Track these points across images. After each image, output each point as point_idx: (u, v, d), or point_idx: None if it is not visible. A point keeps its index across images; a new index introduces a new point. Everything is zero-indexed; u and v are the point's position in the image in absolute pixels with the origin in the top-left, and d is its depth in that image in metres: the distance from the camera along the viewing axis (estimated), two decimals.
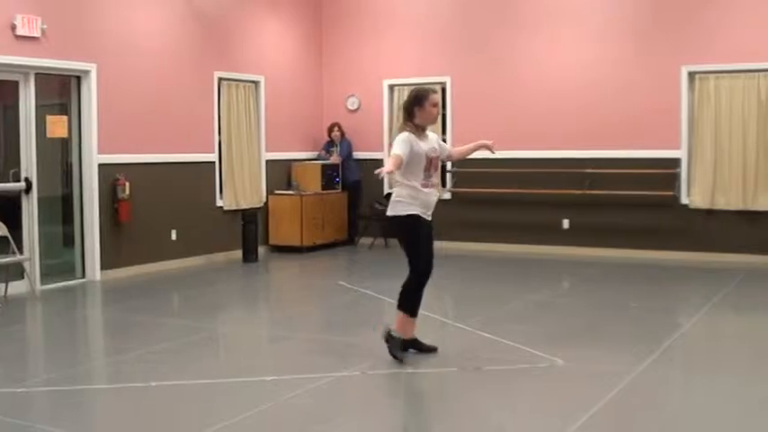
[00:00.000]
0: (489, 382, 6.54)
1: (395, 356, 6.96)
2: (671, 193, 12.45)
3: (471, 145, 7.67)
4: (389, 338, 7.04)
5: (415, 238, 7.02)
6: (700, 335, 8.26)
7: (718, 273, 11.35)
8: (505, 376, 6.68)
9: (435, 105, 7.07)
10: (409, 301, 7.03)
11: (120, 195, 11.09)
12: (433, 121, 7.29)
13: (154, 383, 6.39)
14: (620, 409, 5.90)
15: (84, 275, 10.98)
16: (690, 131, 12.52)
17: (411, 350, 7.11)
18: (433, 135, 7.26)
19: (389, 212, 7.10)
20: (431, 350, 7.21)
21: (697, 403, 6.07)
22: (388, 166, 6.68)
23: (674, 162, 12.50)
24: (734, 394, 6.21)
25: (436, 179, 7.27)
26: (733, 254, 12.18)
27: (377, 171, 6.65)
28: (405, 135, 6.90)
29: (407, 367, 6.82)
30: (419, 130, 7.00)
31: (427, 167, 7.02)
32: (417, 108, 6.98)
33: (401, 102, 14.14)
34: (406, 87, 14.19)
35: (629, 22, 12.84)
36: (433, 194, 7.15)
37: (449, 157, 7.78)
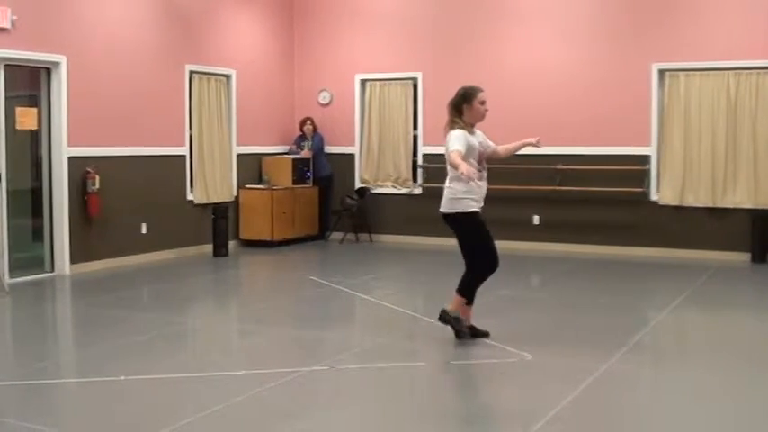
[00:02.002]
0: (458, 377, 6.57)
1: (460, 332, 7.26)
2: (641, 189, 12.54)
3: (517, 143, 7.88)
4: (450, 318, 7.31)
5: (483, 235, 7.26)
6: (668, 330, 8.33)
7: (687, 269, 11.44)
8: (474, 371, 6.72)
9: (483, 103, 7.36)
10: (471, 290, 7.31)
11: (90, 188, 11.03)
12: (481, 119, 7.47)
13: (123, 377, 6.37)
14: (588, 404, 5.94)
15: (53, 269, 10.91)
16: (660, 129, 12.61)
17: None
18: (479, 132, 7.50)
19: (448, 210, 7.25)
20: (485, 335, 7.44)
21: (664, 398, 6.12)
22: (465, 167, 6.82)
23: (644, 159, 12.58)
24: (701, 388, 6.28)
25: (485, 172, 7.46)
26: (702, 250, 12.29)
27: (462, 173, 6.80)
28: (459, 132, 7.13)
29: (377, 362, 6.84)
30: (468, 127, 7.25)
31: (479, 161, 7.28)
32: (466, 105, 7.31)
33: (372, 96, 14.20)
34: (378, 82, 14.24)
35: (600, 20, 12.91)
36: (485, 186, 7.38)
37: (494, 154, 7.82)
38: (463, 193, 7.19)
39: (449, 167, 7.21)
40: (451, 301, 7.39)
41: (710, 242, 12.31)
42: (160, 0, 12.17)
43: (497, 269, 7.34)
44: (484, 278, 7.32)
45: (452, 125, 7.28)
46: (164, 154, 12.25)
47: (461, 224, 7.25)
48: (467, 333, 7.31)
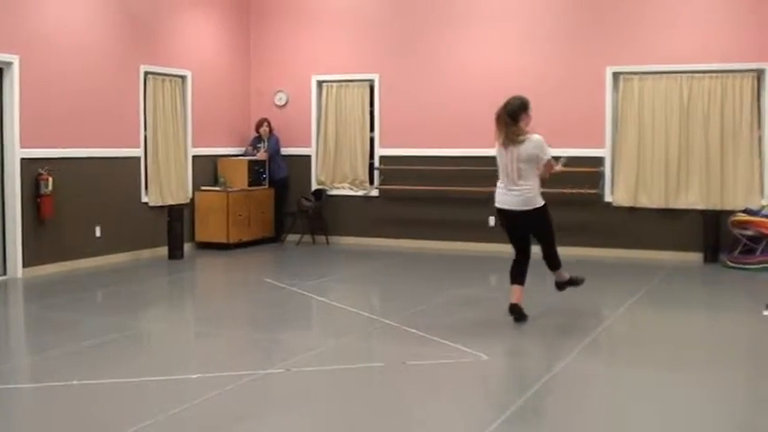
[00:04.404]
0: (414, 378, 6.58)
1: (578, 280, 8.81)
2: (595, 191, 12.64)
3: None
4: (566, 282, 8.74)
5: (551, 220, 8.45)
6: (622, 329, 8.42)
7: (641, 269, 11.56)
8: (430, 371, 6.73)
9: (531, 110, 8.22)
10: (557, 259, 8.57)
11: (43, 190, 10.90)
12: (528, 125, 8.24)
13: (76, 382, 6.30)
14: (543, 403, 5.98)
15: (5, 272, 10.77)
16: (614, 131, 12.74)
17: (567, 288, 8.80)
18: None
19: (537, 205, 8.25)
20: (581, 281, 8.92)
21: (617, 396, 6.18)
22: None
23: (599, 161, 12.69)
24: (655, 386, 6.33)
25: None
26: (655, 251, 12.42)
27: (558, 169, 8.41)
28: (539, 137, 8.13)
29: (334, 364, 6.83)
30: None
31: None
32: (524, 114, 8.12)
33: (329, 98, 14.18)
34: (335, 84, 14.22)
35: (556, 24, 13.01)
36: None
37: None
38: (539, 189, 8.27)
39: (524, 168, 8.11)
40: (556, 275, 8.69)
41: (664, 243, 12.45)
42: (114, 1, 12.06)
43: None
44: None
45: (520, 132, 8.09)
46: (118, 156, 12.15)
47: (545, 213, 8.34)
48: (581, 277, 8.86)
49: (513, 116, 8.07)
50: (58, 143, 11.21)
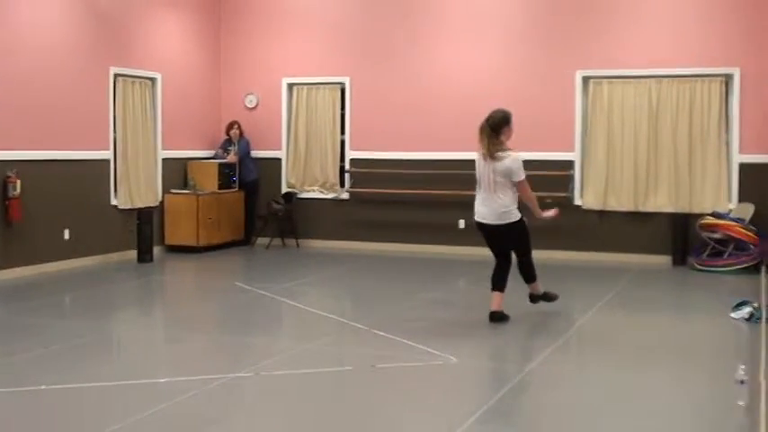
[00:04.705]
0: (383, 381, 6.58)
1: (553, 296, 8.87)
2: (565, 194, 12.69)
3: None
4: (540, 296, 8.81)
5: (528, 232, 8.55)
6: (592, 331, 8.45)
7: (610, 272, 11.62)
8: (399, 374, 6.74)
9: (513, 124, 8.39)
10: (533, 271, 8.68)
11: (11, 193, 10.81)
12: (510, 137, 8.43)
13: (44, 386, 6.25)
14: (511, 406, 6.00)
15: None
16: (583, 135, 12.81)
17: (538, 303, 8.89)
18: None
19: (511, 220, 8.33)
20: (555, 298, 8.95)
21: (587, 397, 6.20)
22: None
23: (568, 164, 12.75)
24: (623, 387, 6.37)
25: None
26: (624, 253, 12.50)
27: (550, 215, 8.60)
28: (519, 156, 8.28)
29: (303, 367, 6.82)
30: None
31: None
32: (506, 127, 8.28)
33: (300, 100, 14.16)
34: (305, 86, 14.21)
35: (526, 28, 13.06)
36: None
37: None
38: (516, 203, 8.36)
39: (501, 182, 8.23)
40: (531, 288, 8.77)
41: (633, 245, 12.53)
42: (84, 2, 11.99)
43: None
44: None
45: (503, 147, 8.24)
46: (87, 158, 12.07)
47: (520, 226, 8.43)
48: (555, 294, 8.91)
49: (494, 129, 8.21)
50: (26, 145, 11.12)
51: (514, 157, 8.21)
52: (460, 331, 8.17)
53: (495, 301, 8.43)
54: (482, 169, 8.33)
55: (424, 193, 13.46)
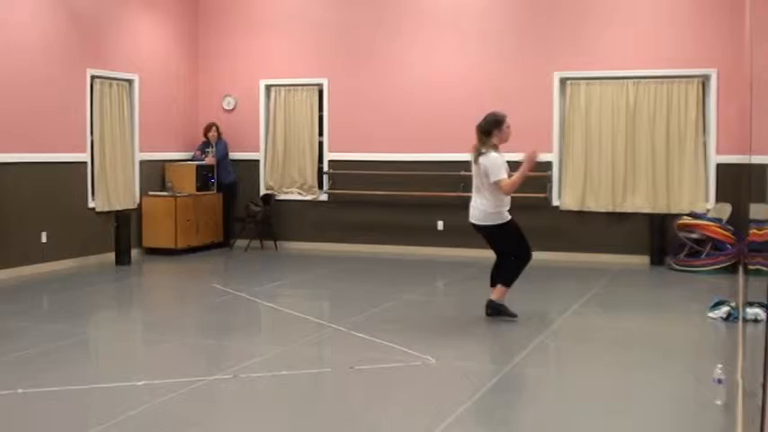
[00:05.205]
0: (362, 382, 6.58)
1: (512, 315, 8.44)
2: (543, 195, 12.73)
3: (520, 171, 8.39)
4: (498, 308, 8.48)
5: (520, 233, 8.50)
6: (570, 332, 8.46)
7: (589, 272, 11.66)
8: (378, 376, 6.73)
9: (509, 127, 8.44)
10: (514, 278, 8.50)
11: None
12: (506, 140, 8.48)
13: (21, 390, 6.21)
14: (490, 407, 6.01)
15: None
16: (561, 136, 12.85)
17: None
18: None
19: (497, 222, 8.37)
20: (514, 316, 8.53)
21: (565, 397, 6.22)
22: (519, 179, 8.26)
23: (546, 165, 12.77)
24: (601, 387, 6.40)
25: None
26: (602, 254, 12.55)
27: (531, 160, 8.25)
28: (501, 158, 8.25)
29: (282, 369, 6.80)
30: (497, 149, 8.30)
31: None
32: (497, 130, 8.35)
33: (278, 102, 14.14)
34: (283, 88, 14.19)
35: (504, 29, 13.09)
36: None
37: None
38: (500, 206, 8.37)
39: (483, 182, 8.31)
40: (495, 292, 8.54)
41: (611, 246, 12.57)
42: (60, 3, 11.93)
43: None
44: (524, 266, 8.57)
45: (486, 147, 8.31)
46: (64, 161, 12.00)
47: (505, 229, 8.43)
48: (514, 313, 8.49)
49: (484, 131, 8.38)
50: (2, 148, 11.05)
51: (492, 157, 8.25)
52: (439, 332, 8.17)
53: (495, 293, 8.58)
54: (473, 170, 8.51)
55: (402, 195, 13.47)
